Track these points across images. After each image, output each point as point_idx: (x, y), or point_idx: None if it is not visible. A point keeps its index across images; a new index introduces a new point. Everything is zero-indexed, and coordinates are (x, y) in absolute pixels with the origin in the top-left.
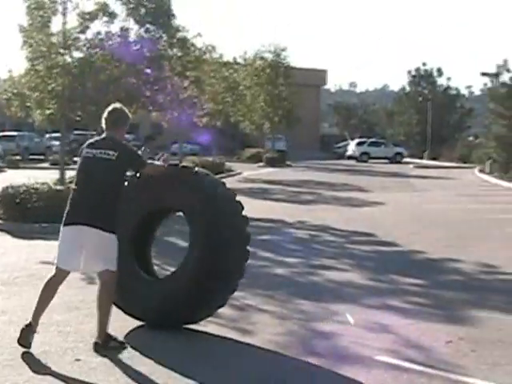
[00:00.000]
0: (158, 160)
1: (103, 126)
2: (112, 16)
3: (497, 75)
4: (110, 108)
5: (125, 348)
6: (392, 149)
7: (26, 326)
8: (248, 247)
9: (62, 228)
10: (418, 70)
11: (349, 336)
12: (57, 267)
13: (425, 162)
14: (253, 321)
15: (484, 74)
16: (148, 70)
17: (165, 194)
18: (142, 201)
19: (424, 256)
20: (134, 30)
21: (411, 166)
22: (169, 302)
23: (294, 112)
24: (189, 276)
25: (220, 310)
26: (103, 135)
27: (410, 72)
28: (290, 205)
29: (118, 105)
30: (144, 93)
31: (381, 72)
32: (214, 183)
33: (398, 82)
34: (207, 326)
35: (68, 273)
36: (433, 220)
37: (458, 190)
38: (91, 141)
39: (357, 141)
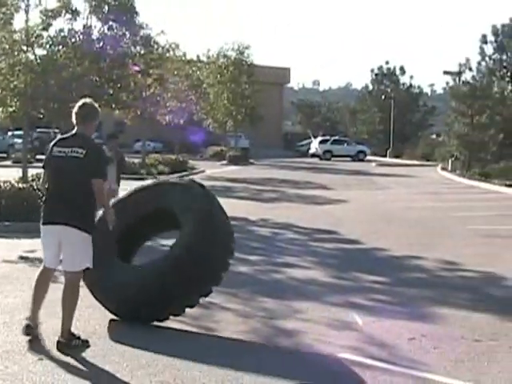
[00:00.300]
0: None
1: (73, 120)
2: (75, 13)
3: (459, 74)
4: (80, 103)
5: (88, 346)
6: (355, 147)
7: (26, 326)
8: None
9: (41, 226)
10: (380, 68)
11: (312, 333)
12: (43, 265)
13: (387, 160)
14: (216, 319)
15: (446, 73)
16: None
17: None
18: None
19: (387, 253)
20: (97, 27)
21: (374, 164)
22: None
23: (257, 110)
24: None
25: None
26: (73, 131)
27: (372, 70)
28: (253, 203)
29: (88, 100)
30: (107, 90)
31: (344, 70)
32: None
33: (361, 80)
34: (171, 324)
35: (53, 270)
36: (395, 218)
37: (420, 187)
38: (61, 137)
39: (320, 139)
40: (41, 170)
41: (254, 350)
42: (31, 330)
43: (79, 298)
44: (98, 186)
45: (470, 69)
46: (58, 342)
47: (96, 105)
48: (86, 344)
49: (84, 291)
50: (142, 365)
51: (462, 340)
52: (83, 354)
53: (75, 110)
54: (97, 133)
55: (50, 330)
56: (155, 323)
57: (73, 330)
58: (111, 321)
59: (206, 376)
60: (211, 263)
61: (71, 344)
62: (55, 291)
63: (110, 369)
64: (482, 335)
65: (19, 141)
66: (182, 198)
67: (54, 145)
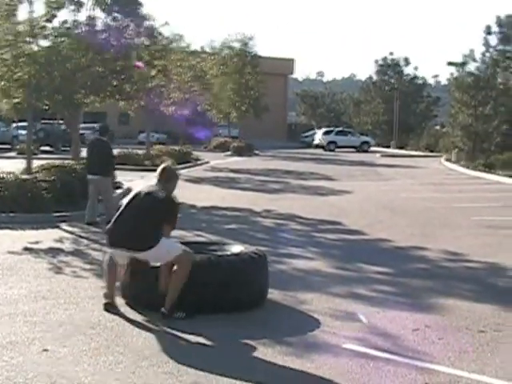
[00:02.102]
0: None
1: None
2: (79, 4)
3: (463, 65)
4: (162, 166)
5: (193, 318)
6: (359, 138)
7: (105, 304)
8: None
9: None
10: (385, 59)
11: (316, 324)
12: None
13: (391, 150)
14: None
15: (450, 64)
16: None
17: None
18: None
19: (391, 244)
20: (101, 18)
21: (378, 154)
22: None
23: (261, 101)
24: None
25: None
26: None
27: (377, 61)
28: (257, 194)
29: (168, 165)
30: (111, 82)
31: (348, 61)
32: None
33: (366, 71)
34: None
35: None
36: (399, 208)
37: (424, 178)
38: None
39: (324, 130)
40: (45, 161)
41: (256, 341)
42: (109, 306)
43: (83, 289)
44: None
45: (474, 60)
46: (162, 312)
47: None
48: (191, 317)
49: (88, 284)
50: (146, 356)
51: (467, 331)
52: (86, 347)
53: (159, 171)
54: (101, 123)
55: (54, 321)
56: (159, 315)
57: (77, 321)
58: (115, 312)
59: (209, 367)
60: None
61: (174, 316)
62: (59, 283)
63: (113, 360)
64: (486, 326)
65: (23, 132)
66: None
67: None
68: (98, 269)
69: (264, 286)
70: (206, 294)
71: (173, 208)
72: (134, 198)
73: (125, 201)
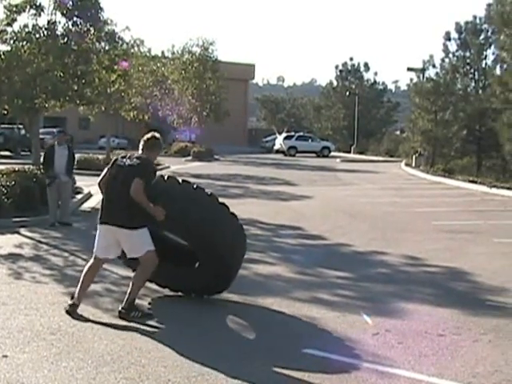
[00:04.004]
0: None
1: (140, 147)
2: (39, 9)
3: (423, 70)
4: (149, 135)
5: (151, 319)
6: (319, 143)
7: (70, 305)
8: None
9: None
10: (345, 64)
11: (276, 329)
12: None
13: (352, 155)
14: (181, 316)
15: (410, 69)
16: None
17: None
18: None
19: (351, 249)
20: (62, 23)
21: (338, 159)
22: None
23: (221, 106)
24: None
25: (147, 305)
26: (139, 153)
27: (337, 67)
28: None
29: (156, 133)
30: (71, 86)
31: (308, 66)
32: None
33: (326, 76)
34: (134, 321)
35: (102, 260)
36: (360, 213)
37: (384, 183)
38: (124, 155)
39: (284, 135)
40: (4, 166)
41: (218, 345)
42: (74, 308)
43: (44, 295)
44: (136, 184)
45: (434, 65)
46: (120, 311)
47: (161, 139)
48: (149, 317)
49: (48, 290)
50: (107, 361)
51: (426, 335)
52: (47, 352)
53: (144, 138)
54: (60, 128)
55: (14, 327)
56: (118, 321)
57: (37, 326)
58: (76, 318)
59: (171, 372)
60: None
61: (130, 314)
62: (19, 288)
63: (74, 365)
64: (445, 330)
65: None
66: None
67: (116, 159)
68: (58, 274)
69: None
70: None
71: (147, 164)
72: (117, 171)
73: (106, 171)
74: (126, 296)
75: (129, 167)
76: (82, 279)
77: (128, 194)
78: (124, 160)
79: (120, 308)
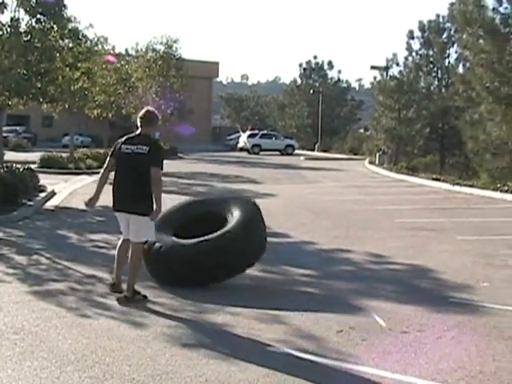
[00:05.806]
0: None
1: (138, 123)
2: (2, 6)
3: (386, 69)
4: (144, 109)
5: (148, 301)
6: (283, 141)
7: (111, 285)
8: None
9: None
10: (309, 62)
11: (240, 327)
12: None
13: (316, 153)
14: (145, 314)
15: (374, 68)
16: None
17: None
18: None
19: (315, 247)
20: (25, 20)
21: (302, 157)
22: None
23: (186, 104)
24: None
25: (112, 303)
26: (138, 131)
27: (301, 65)
28: (182, 197)
29: (150, 107)
30: (35, 84)
31: (272, 64)
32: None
33: (290, 74)
34: (98, 319)
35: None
36: (323, 211)
37: (348, 181)
38: (128, 136)
39: (248, 133)
40: None
41: (183, 344)
42: (115, 287)
43: (7, 294)
44: (156, 173)
45: (398, 64)
46: (124, 296)
47: (156, 112)
48: (146, 299)
49: (12, 289)
50: (71, 361)
51: (390, 332)
52: (10, 352)
53: (140, 115)
54: (24, 127)
55: None
56: (82, 319)
57: (0, 326)
58: (39, 317)
59: (135, 371)
60: (254, 245)
61: (134, 298)
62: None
63: (38, 365)
64: (409, 327)
65: None
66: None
67: (122, 142)
68: (21, 273)
69: None
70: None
71: (158, 149)
72: (126, 158)
73: (109, 160)
74: (127, 284)
75: (138, 155)
76: (116, 259)
77: (139, 181)
78: (129, 147)
79: (124, 294)
